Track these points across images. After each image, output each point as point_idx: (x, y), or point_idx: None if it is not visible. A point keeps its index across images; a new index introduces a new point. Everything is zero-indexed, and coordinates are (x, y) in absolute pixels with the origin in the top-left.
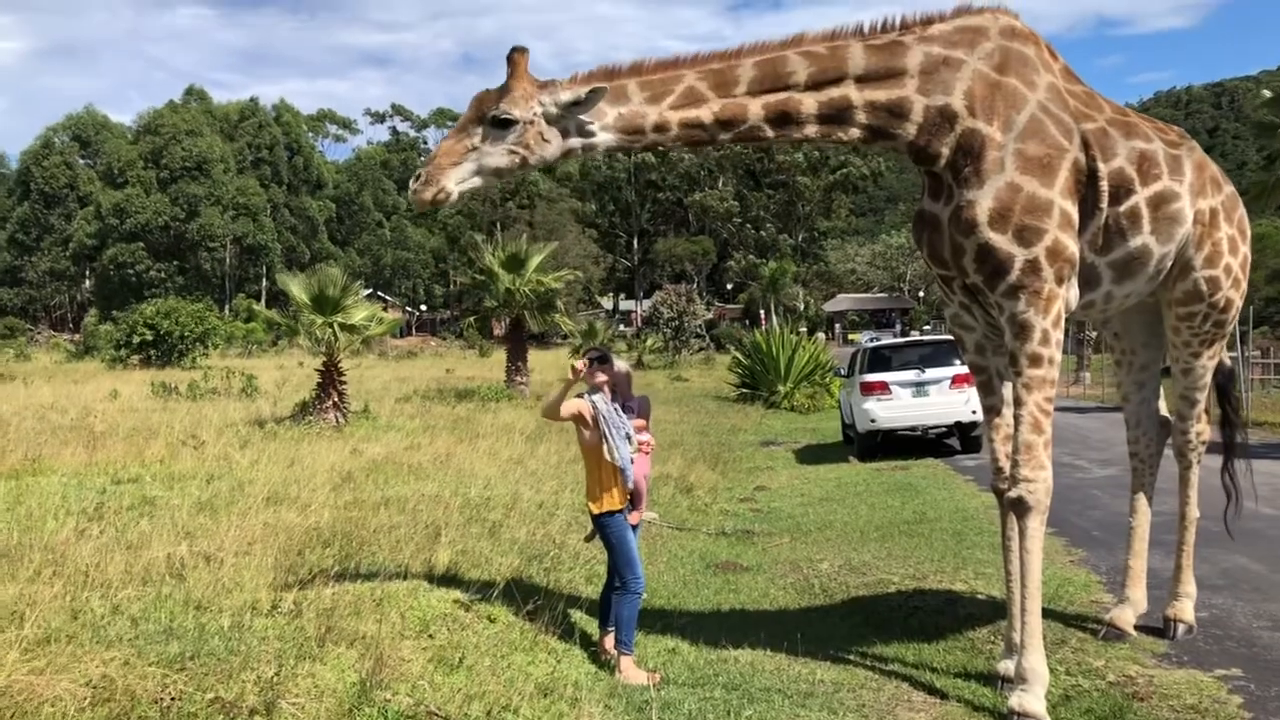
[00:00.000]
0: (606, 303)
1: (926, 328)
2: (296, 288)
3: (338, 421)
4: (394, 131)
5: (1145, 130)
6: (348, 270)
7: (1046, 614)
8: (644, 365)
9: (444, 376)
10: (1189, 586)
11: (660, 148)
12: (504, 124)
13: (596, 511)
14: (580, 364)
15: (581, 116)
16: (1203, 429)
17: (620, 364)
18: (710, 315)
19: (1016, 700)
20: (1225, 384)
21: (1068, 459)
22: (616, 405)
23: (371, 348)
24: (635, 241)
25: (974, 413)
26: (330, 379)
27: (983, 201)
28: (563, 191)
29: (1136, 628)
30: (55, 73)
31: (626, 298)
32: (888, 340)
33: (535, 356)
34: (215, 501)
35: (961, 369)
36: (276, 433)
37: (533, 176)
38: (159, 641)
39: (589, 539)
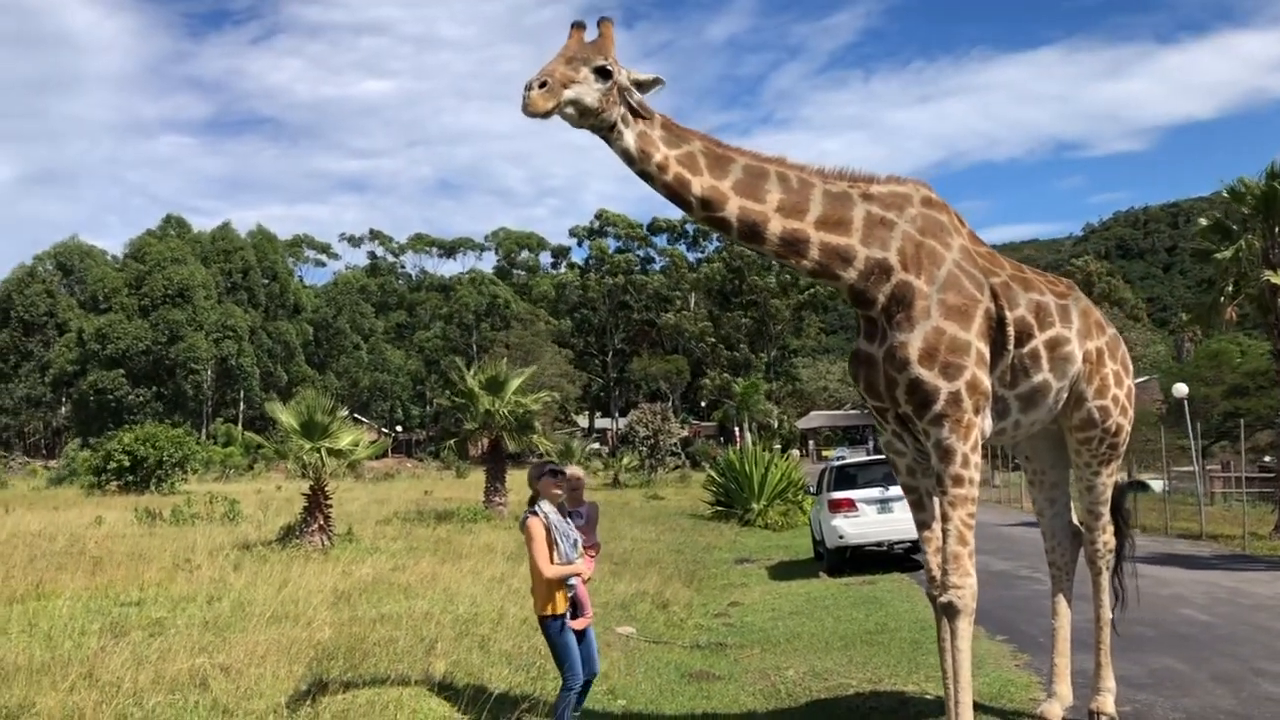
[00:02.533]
0: (582, 420)
1: None
2: (286, 415)
3: (323, 544)
4: (372, 256)
5: (1039, 284)
6: (326, 393)
7: (988, 711)
8: (621, 484)
9: (422, 498)
10: (1109, 681)
11: (649, 183)
12: (605, 75)
13: (540, 614)
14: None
15: (626, 108)
16: (1109, 538)
17: (575, 470)
18: (685, 433)
19: None
20: (1117, 499)
21: (1026, 571)
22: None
23: (350, 469)
24: (609, 360)
25: None
26: (317, 502)
27: (914, 342)
28: (539, 311)
29: None
30: (36, 198)
31: (602, 415)
32: (852, 459)
33: (512, 476)
34: (220, 621)
35: None
36: (266, 556)
37: (504, 297)
38: None
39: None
